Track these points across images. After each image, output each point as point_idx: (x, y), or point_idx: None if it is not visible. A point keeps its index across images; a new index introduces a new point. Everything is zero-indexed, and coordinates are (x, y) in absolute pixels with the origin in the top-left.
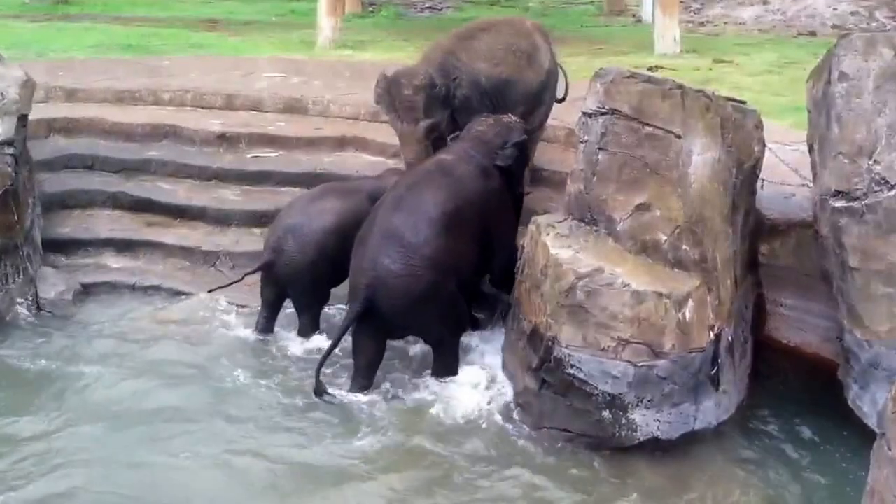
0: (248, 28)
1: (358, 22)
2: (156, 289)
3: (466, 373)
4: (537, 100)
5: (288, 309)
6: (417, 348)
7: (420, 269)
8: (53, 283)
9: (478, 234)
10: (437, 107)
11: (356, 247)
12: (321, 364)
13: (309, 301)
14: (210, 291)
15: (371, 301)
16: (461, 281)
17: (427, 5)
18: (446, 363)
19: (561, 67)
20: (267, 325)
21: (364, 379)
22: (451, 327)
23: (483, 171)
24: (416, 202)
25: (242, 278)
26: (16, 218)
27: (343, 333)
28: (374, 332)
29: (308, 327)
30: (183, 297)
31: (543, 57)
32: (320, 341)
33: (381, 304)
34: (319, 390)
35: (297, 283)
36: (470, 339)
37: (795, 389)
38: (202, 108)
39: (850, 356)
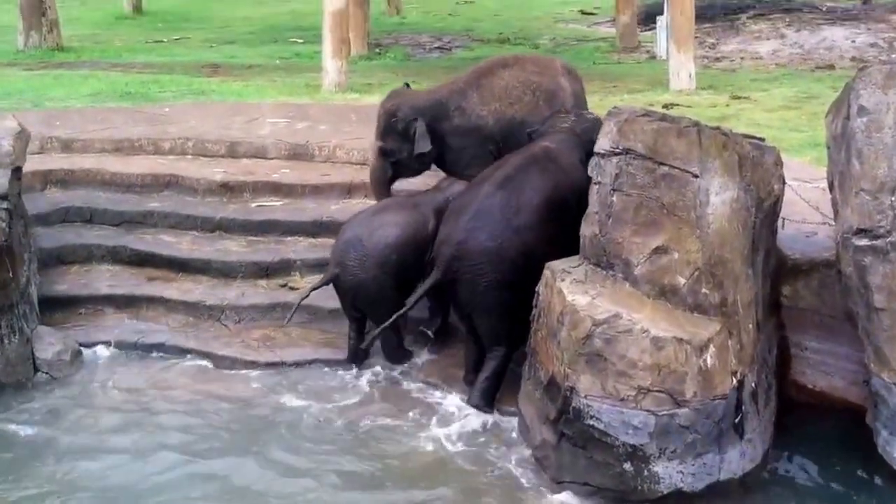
0: (251, 72)
1: (364, 64)
2: (159, 346)
3: (482, 422)
4: None
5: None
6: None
7: (510, 249)
8: (50, 343)
9: (570, 226)
10: (392, 137)
11: (448, 220)
12: (382, 331)
13: (380, 313)
14: (287, 321)
15: (452, 272)
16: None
17: (436, 45)
18: (495, 372)
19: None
20: (357, 344)
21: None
22: (510, 329)
23: (583, 164)
24: (521, 184)
25: (309, 293)
26: (11, 275)
27: (417, 300)
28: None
29: (388, 340)
30: (186, 356)
31: (565, 99)
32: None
33: (461, 278)
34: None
35: (362, 296)
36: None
37: (823, 436)
38: (204, 156)
39: (879, 400)
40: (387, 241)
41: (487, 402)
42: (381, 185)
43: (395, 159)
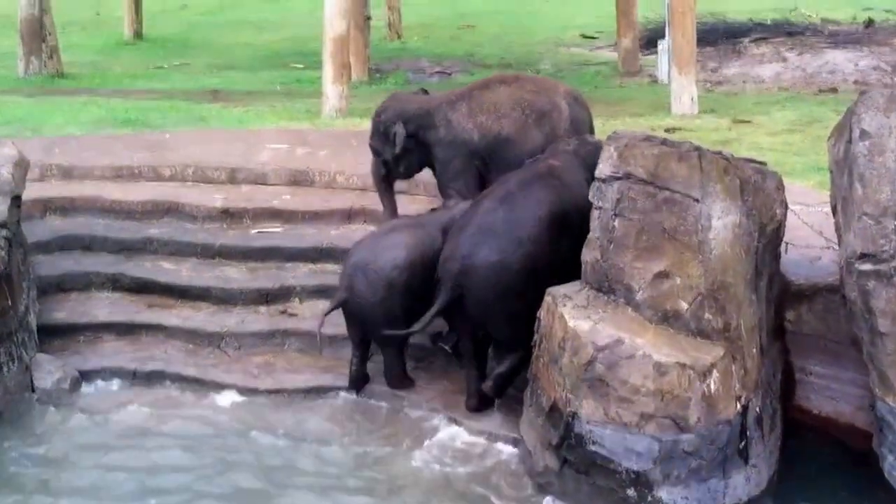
0: (251, 98)
1: (365, 89)
2: (158, 374)
3: (483, 449)
4: None
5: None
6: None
7: (516, 263)
8: (50, 371)
9: (575, 243)
10: (377, 137)
11: (451, 237)
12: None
13: (388, 337)
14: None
15: (459, 288)
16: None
17: (436, 70)
18: (512, 367)
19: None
20: (359, 370)
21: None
22: (528, 334)
23: (586, 183)
24: (524, 200)
25: (323, 320)
26: (10, 303)
27: (430, 321)
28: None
29: (392, 366)
30: (186, 384)
31: (558, 121)
32: None
33: (469, 293)
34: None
35: (370, 320)
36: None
37: (829, 461)
38: (204, 182)
39: (884, 425)
40: (395, 262)
41: (497, 392)
42: (377, 181)
43: (382, 159)
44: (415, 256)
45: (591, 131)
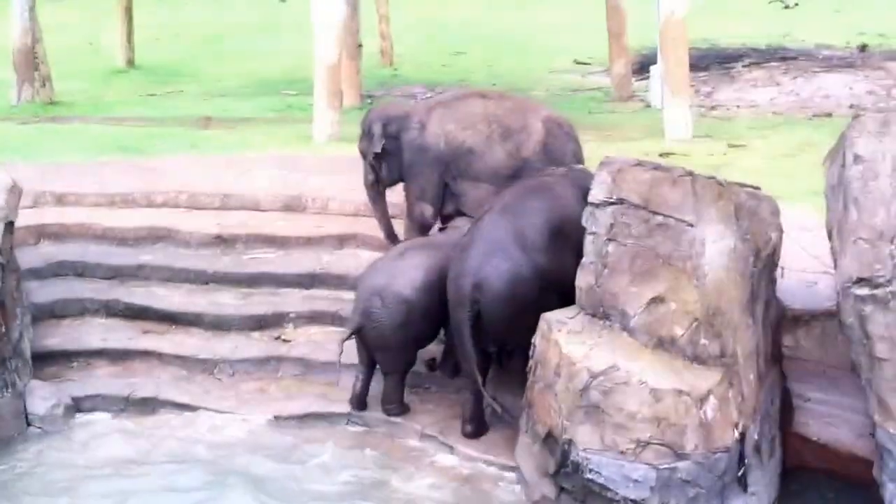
0: (244, 125)
1: (357, 115)
2: (152, 400)
3: (477, 474)
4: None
5: None
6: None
7: (525, 269)
8: (43, 398)
9: (574, 250)
10: (363, 138)
11: (457, 256)
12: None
13: (398, 363)
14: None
15: (477, 304)
16: (562, 296)
17: (428, 96)
18: None
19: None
20: (363, 391)
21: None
22: None
23: (583, 197)
24: (524, 211)
25: (342, 348)
26: (3, 329)
27: (468, 342)
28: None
29: (393, 392)
30: (179, 410)
31: (525, 141)
32: None
33: (485, 307)
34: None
35: (386, 345)
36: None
37: (829, 489)
38: (197, 209)
39: (884, 453)
40: (413, 285)
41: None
42: (367, 187)
43: (369, 163)
44: (432, 278)
45: (578, 161)
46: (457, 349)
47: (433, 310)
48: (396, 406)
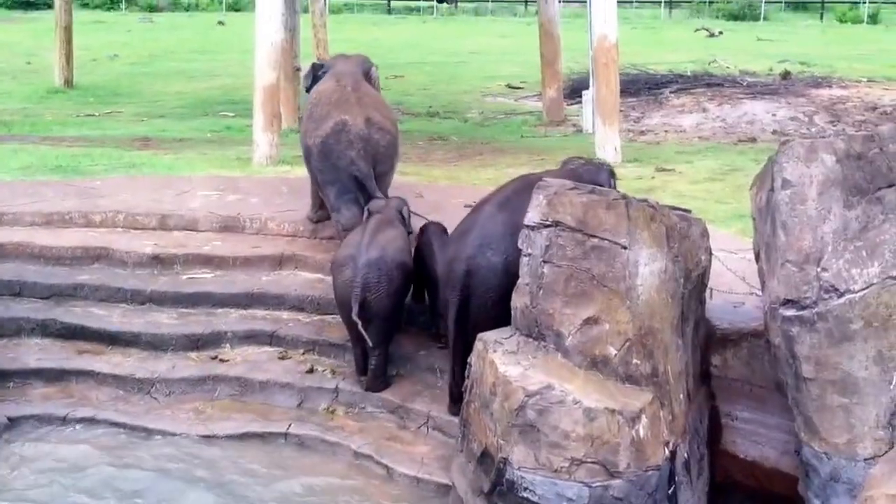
0: (181, 145)
1: (295, 137)
2: (89, 420)
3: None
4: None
5: None
6: None
7: (515, 264)
8: None
9: None
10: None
11: (452, 242)
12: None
13: (391, 332)
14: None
15: (466, 288)
16: None
17: None
18: None
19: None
20: (365, 360)
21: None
22: None
23: None
24: (521, 208)
25: (357, 320)
26: None
27: (453, 321)
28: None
29: (382, 368)
30: (116, 430)
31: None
32: None
33: (476, 292)
34: None
35: (385, 313)
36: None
37: None
38: (135, 229)
39: (810, 470)
40: (402, 249)
41: None
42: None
43: None
44: (408, 245)
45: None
46: (442, 324)
47: (412, 272)
48: (383, 381)
